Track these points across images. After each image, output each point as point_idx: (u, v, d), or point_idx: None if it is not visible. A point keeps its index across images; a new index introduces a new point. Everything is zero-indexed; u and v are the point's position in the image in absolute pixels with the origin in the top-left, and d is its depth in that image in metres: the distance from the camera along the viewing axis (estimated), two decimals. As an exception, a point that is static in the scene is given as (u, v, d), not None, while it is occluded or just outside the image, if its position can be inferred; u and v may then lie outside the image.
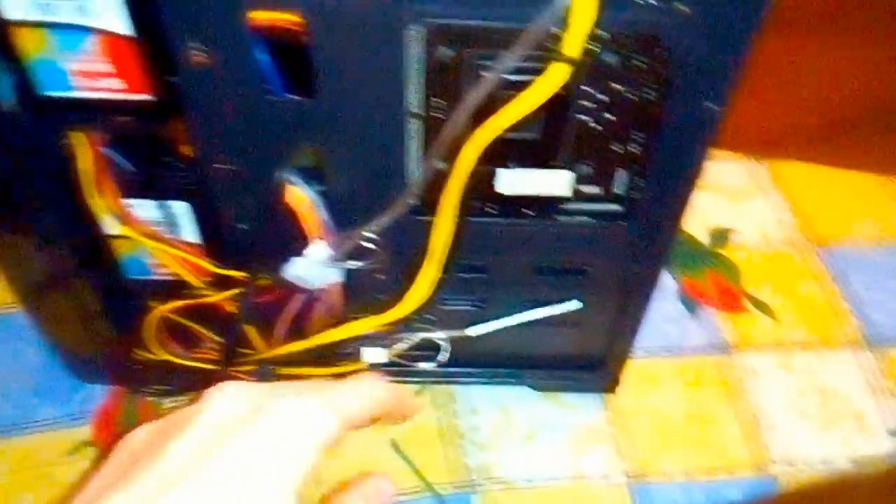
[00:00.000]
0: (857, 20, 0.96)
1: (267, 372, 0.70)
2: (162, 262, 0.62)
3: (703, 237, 0.98)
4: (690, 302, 0.92)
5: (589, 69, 0.50)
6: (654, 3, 0.46)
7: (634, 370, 0.80)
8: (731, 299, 0.92)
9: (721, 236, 0.98)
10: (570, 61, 0.46)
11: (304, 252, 0.59)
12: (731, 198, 1.02)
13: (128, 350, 0.72)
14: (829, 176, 1.06)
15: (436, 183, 0.55)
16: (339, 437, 0.43)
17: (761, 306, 0.92)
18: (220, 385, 0.43)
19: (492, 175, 0.57)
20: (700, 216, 1.00)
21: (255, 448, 0.39)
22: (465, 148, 0.51)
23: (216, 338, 0.69)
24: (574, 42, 0.46)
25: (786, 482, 0.78)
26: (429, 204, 0.58)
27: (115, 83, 0.49)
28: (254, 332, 0.67)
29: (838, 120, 1.07)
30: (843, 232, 1.00)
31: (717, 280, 0.94)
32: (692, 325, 0.90)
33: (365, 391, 0.47)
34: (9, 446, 0.77)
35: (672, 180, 0.57)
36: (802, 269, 0.96)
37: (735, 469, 0.78)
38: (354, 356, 0.69)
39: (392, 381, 0.51)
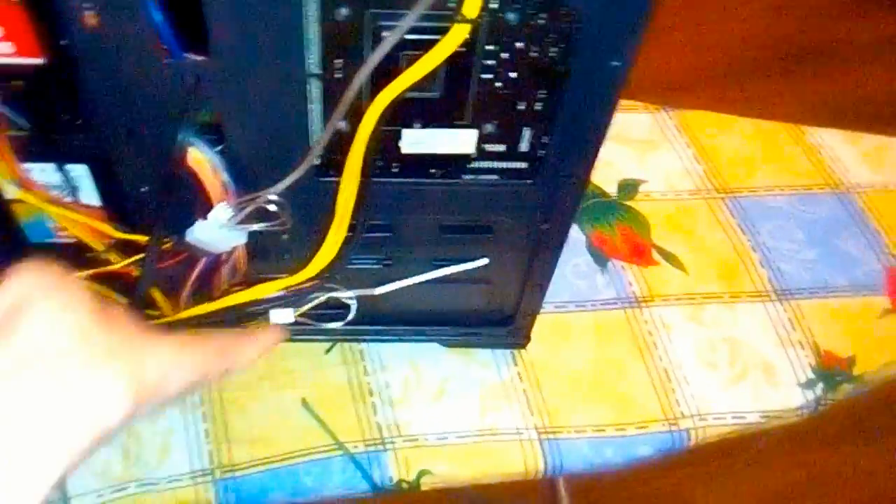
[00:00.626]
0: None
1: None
2: (63, 226, 0.61)
3: (612, 189, 0.99)
4: (600, 255, 0.92)
5: (490, 27, 0.49)
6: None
7: (545, 324, 0.81)
8: (640, 252, 0.93)
9: (629, 188, 0.99)
10: (470, 21, 0.46)
11: (207, 215, 0.58)
12: (639, 149, 1.03)
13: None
14: (737, 125, 1.07)
15: (339, 144, 0.55)
16: (129, 417, 0.41)
17: (670, 258, 0.93)
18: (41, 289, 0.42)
19: (396, 135, 0.56)
20: (608, 168, 1.01)
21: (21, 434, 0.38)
22: (368, 110, 0.50)
23: (121, 300, 0.68)
24: (473, 2, 0.45)
25: (697, 436, 0.79)
26: (332, 165, 0.57)
27: (5, 46, 0.48)
28: (159, 294, 0.66)
29: (740, 62, 1.08)
30: (750, 181, 1.01)
31: (626, 233, 0.95)
32: (602, 278, 0.91)
33: (181, 361, 0.46)
34: None
35: (578, 138, 0.57)
36: (711, 219, 0.97)
37: (646, 423, 0.80)
38: (262, 316, 0.68)
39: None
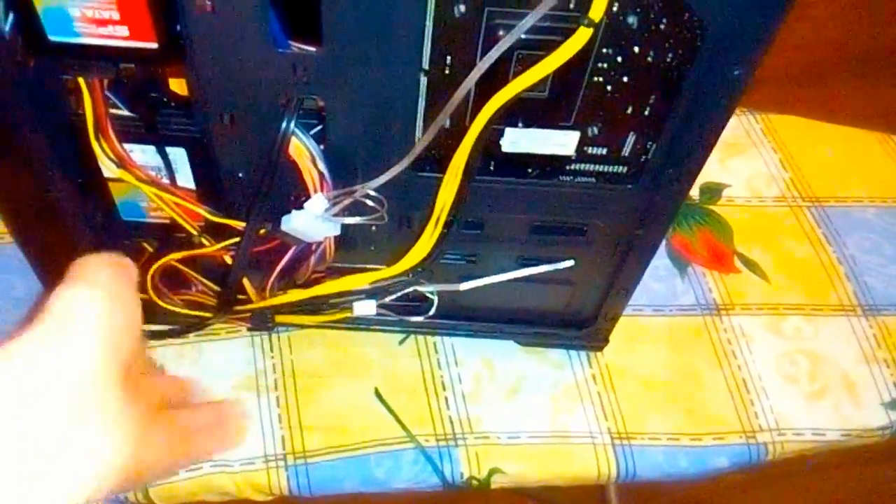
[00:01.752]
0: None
1: (263, 318, 0.69)
2: (158, 206, 0.61)
3: (694, 192, 0.97)
4: (680, 260, 0.91)
5: (609, 30, 0.48)
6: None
7: (620, 327, 0.80)
8: (721, 258, 0.92)
9: (713, 192, 0.98)
10: (595, 24, 0.45)
11: (304, 205, 0.57)
12: (723, 152, 1.01)
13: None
14: (825, 131, 1.05)
15: (441, 140, 0.54)
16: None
17: (752, 266, 0.91)
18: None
19: (499, 133, 0.56)
20: (692, 171, 0.98)
21: None
22: (483, 110, 0.50)
23: (210, 285, 0.68)
24: (600, 5, 0.44)
25: (775, 451, 0.77)
26: (430, 161, 0.57)
27: (121, 30, 0.48)
28: (247, 280, 0.66)
29: (814, 64, 1.06)
30: (838, 191, 0.99)
31: (708, 238, 0.93)
32: (681, 283, 0.89)
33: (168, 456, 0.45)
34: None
35: (686, 145, 0.56)
36: (796, 228, 0.95)
37: (722, 434, 0.78)
38: (344, 306, 0.68)
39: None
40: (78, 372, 0.38)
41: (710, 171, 0.99)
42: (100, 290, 0.42)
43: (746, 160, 1.01)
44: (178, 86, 0.56)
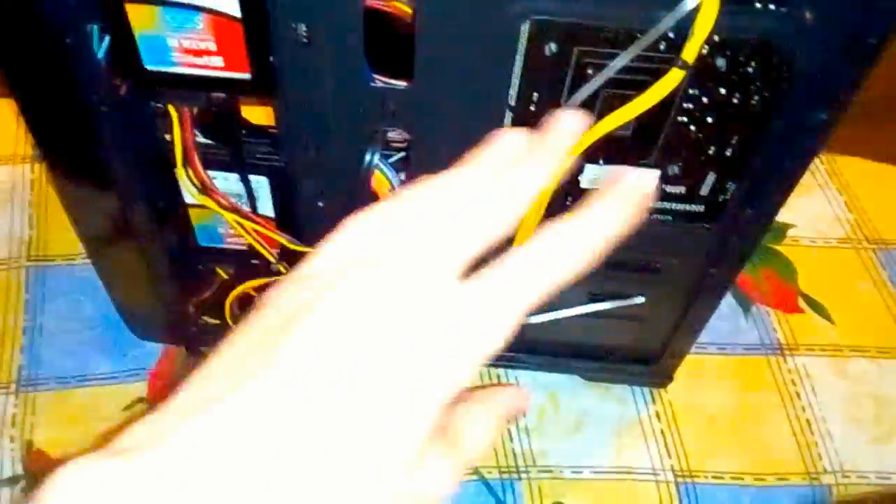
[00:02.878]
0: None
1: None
2: (237, 233, 0.62)
3: (760, 232, 0.97)
4: (744, 299, 0.91)
5: (697, 72, 0.49)
6: (774, 8, 0.45)
7: (684, 365, 0.80)
8: (786, 298, 0.91)
9: (777, 231, 0.97)
10: (688, 66, 0.45)
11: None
12: (788, 192, 1.01)
13: (188, 312, 0.72)
14: (890, 174, 1.05)
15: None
16: None
17: (817, 307, 0.91)
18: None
19: (579, 169, 0.56)
20: (757, 210, 0.98)
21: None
22: (573, 148, 0.50)
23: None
24: (694, 47, 0.45)
25: (838, 493, 0.77)
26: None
27: (216, 60, 0.49)
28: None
29: (876, 103, 1.05)
30: (904, 233, 0.98)
31: (773, 277, 0.93)
32: (745, 322, 0.89)
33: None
34: (65, 399, 0.77)
35: (766, 187, 0.56)
36: (860, 269, 0.94)
37: (786, 475, 0.78)
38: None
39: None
40: None
41: (775, 211, 0.98)
42: None
43: (811, 200, 1.01)
44: (252, 114, 0.57)
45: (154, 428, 0.33)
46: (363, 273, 0.36)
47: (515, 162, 0.41)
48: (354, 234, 0.39)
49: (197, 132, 0.57)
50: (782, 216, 0.96)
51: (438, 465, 0.36)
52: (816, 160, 1.04)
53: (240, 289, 0.66)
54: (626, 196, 0.41)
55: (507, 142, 0.42)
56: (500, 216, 0.39)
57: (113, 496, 0.30)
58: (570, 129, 0.43)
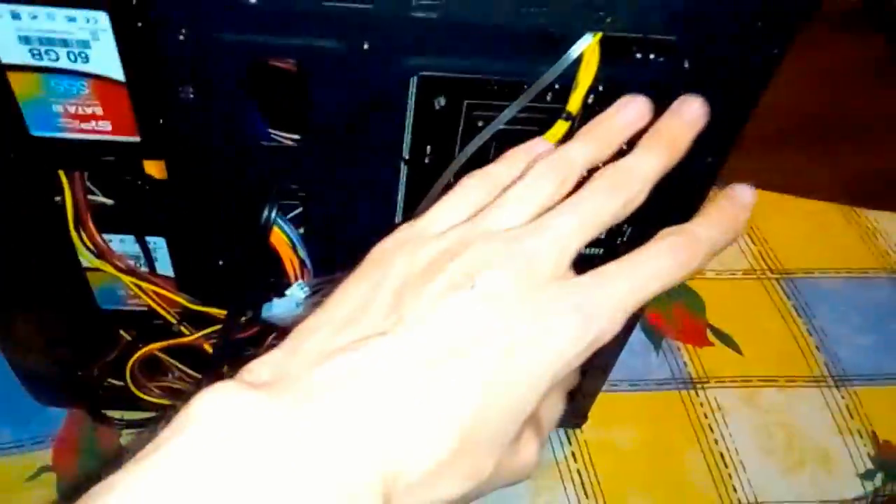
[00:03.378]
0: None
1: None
2: (136, 294, 0.61)
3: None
4: (654, 334, 0.92)
5: (585, 121, 0.49)
6: (654, 58, 0.46)
7: (597, 404, 0.80)
8: (695, 332, 0.92)
9: (684, 266, 0.98)
10: (572, 117, 0.46)
11: (285, 292, 0.58)
12: (692, 226, 1.02)
13: (91, 375, 0.70)
14: (788, 204, 1.07)
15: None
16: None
17: (726, 339, 0.92)
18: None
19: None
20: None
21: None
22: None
23: (190, 373, 0.68)
24: (578, 99, 0.45)
25: (754, 526, 0.78)
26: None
27: (103, 125, 0.48)
28: (226, 367, 0.66)
29: (771, 133, 1.07)
30: (805, 263, 1.00)
31: (682, 312, 0.94)
32: (655, 358, 0.90)
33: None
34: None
35: (660, 229, 0.57)
36: (766, 300, 0.96)
37: (703, 511, 0.78)
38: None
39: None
40: None
41: (681, 245, 0.99)
42: None
43: (715, 233, 1.02)
44: (155, 169, 0.56)
45: (290, 366, 0.36)
46: (478, 247, 0.38)
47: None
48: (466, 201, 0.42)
49: (97, 191, 0.56)
50: (689, 250, 0.98)
51: (530, 444, 0.39)
52: (716, 191, 1.06)
53: (141, 351, 0.65)
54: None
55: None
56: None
57: (263, 426, 0.32)
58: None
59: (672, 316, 0.93)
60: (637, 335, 0.91)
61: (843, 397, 0.88)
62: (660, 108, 0.46)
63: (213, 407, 0.32)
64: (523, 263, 0.37)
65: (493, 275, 0.36)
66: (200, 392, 0.33)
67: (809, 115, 1.20)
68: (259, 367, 0.36)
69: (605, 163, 0.42)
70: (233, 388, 0.33)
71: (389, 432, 0.33)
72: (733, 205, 0.43)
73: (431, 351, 0.35)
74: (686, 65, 0.46)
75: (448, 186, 0.50)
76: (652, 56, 0.46)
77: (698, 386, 0.87)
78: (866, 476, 0.82)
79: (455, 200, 0.42)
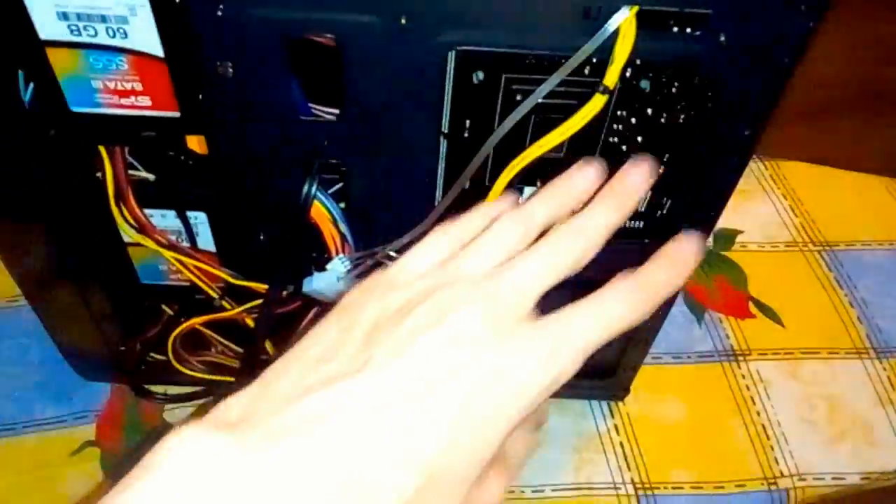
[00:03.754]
0: None
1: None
2: (178, 270, 0.61)
3: (708, 239, 0.97)
4: (696, 307, 0.91)
5: (623, 94, 0.49)
6: (690, 31, 0.46)
7: (640, 376, 0.80)
8: (737, 304, 0.92)
9: (726, 238, 0.98)
10: (609, 91, 0.46)
11: (326, 266, 0.58)
12: (735, 198, 1.00)
13: (133, 350, 0.71)
14: (834, 176, 1.06)
15: (462, 201, 0.54)
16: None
17: (768, 311, 0.91)
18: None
19: (517, 192, 0.56)
20: (705, 218, 0.99)
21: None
22: (503, 174, 0.51)
23: (233, 347, 0.69)
24: (615, 73, 0.45)
25: (796, 497, 0.77)
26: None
27: (142, 100, 0.49)
28: (269, 342, 0.66)
29: (819, 103, 1.06)
30: (848, 235, 0.99)
31: (724, 284, 0.94)
32: (698, 330, 0.90)
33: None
34: (10, 445, 0.76)
35: (699, 201, 0.57)
36: (808, 272, 0.95)
37: (745, 482, 0.78)
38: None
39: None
40: None
41: (724, 218, 0.98)
42: None
43: (757, 206, 1.01)
44: (197, 144, 0.56)
45: (258, 405, 0.36)
46: (445, 291, 0.40)
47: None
48: (434, 250, 0.44)
49: (139, 166, 0.57)
50: (731, 222, 0.98)
51: (495, 482, 0.40)
52: (761, 166, 1.05)
53: (183, 326, 0.66)
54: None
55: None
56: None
57: (225, 469, 0.33)
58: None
59: (714, 288, 0.93)
60: (679, 308, 0.91)
61: (884, 369, 0.87)
62: (693, 86, 0.46)
63: (179, 450, 0.33)
64: (488, 306, 0.39)
65: (458, 317, 0.38)
66: (170, 433, 0.34)
67: (856, 86, 1.19)
68: (231, 405, 0.37)
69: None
70: (200, 430, 0.34)
71: (354, 474, 0.34)
72: (682, 252, 0.45)
73: (398, 391, 0.36)
74: (722, 38, 0.46)
75: (487, 159, 0.51)
76: (688, 29, 0.45)
77: (740, 358, 0.87)
78: (908, 448, 0.81)
79: (424, 250, 0.44)
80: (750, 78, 0.48)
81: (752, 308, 0.92)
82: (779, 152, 1.06)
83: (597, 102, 0.46)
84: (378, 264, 0.58)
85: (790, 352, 0.88)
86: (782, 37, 0.46)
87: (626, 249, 0.60)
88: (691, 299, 0.92)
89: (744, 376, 0.86)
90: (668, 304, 0.67)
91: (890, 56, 1.22)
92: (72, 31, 0.45)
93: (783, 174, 1.05)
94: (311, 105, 0.52)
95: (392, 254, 0.57)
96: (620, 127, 0.52)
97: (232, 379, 0.70)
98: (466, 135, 0.52)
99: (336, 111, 0.52)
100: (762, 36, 0.46)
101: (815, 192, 1.03)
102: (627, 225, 0.59)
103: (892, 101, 1.20)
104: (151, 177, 0.57)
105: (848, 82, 1.16)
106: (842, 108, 1.16)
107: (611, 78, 0.45)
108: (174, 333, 0.66)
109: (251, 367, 0.67)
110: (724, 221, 0.95)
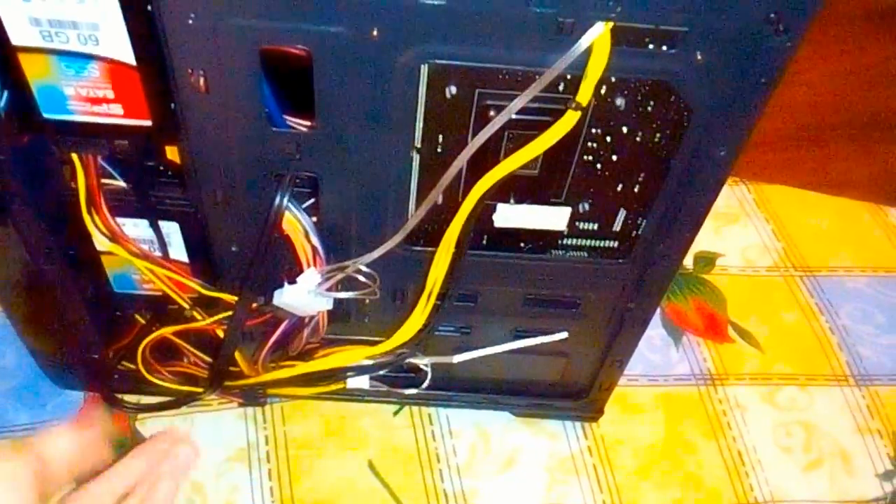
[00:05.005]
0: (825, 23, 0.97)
1: (253, 394, 0.69)
2: (149, 279, 0.61)
3: (688, 262, 0.97)
4: (674, 329, 0.91)
5: (598, 112, 0.49)
6: (666, 49, 0.46)
7: (615, 397, 0.80)
8: (715, 328, 0.92)
9: (706, 261, 0.98)
10: (582, 108, 0.46)
11: (297, 279, 0.58)
12: (717, 221, 1.02)
13: (106, 359, 0.71)
14: (817, 202, 1.06)
15: (434, 216, 0.54)
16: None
17: (746, 336, 0.91)
18: None
19: (491, 209, 0.56)
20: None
21: None
22: (474, 188, 0.50)
23: (202, 356, 0.68)
24: (588, 89, 0.45)
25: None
26: (423, 235, 0.57)
27: (115, 108, 0.48)
28: (239, 353, 0.66)
29: (806, 129, 1.06)
30: (830, 261, 0.99)
31: (702, 307, 0.93)
32: (676, 353, 0.89)
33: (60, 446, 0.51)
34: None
35: (675, 221, 0.56)
36: (788, 297, 0.95)
37: (718, 508, 0.78)
38: (338, 378, 0.68)
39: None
40: None
41: (704, 241, 0.99)
42: None
43: (740, 230, 1.01)
44: (174, 153, 0.56)
45: None
46: None
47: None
48: None
49: (115, 174, 0.56)
50: (712, 245, 0.98)
51: None
52: (744, 188, 1.05)
53: (153, 335, 0.65)
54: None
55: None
56: None
57: None
58: None
59: (693, 312, 0.93)
60: (657, 330, 0.90)
61: (863, 397, 0.87)
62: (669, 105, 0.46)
63: None
64: None
65: None
66: None
67: (841, 112, 1.19)
68: None
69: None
70: None
71: None
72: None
73: None
74: (698, 56, 0.46)
75: (460, 173, 0.50)
76: (664, 47, 0.45)
77: (717, 382, 0.87)
78: (885, 477, 0.81)
79: None
80: (726, 99, 0.48)
81: (731, 332, 0.91)
82: (763, 176, 1.06)
83: (569, 119, 0.46)
84: (349, 277, 0.58)
85: (768, 377, 0.88)
86: (760, 56, 0.45)
87: (604, 269, 0.61)
88: (669, 322, 0.91)
89: (720, 400, 0.85)
90: (642, 326, 0.67)
91: (875, 82, 1.22)
92: (44, 37, 0.45)
93: (767, 197, 1.04)
94: (286, 117, 0.52)
95: (363, 268, 0.57)
96: (595, 145, 0.51)
97: (201, 391, 0.69)
98: (439, 149, 0.51)
99: (305, 127, 0.51)
100: (739, 55, 0.46)
101: (799, 216, 1.03)
102: (603, 244, 0.59)
103: (877, 128, 1.20)
104: (125, 185, 0.57)
105: (833, 108, 1.16)
106: (827, 133, 1.16)
107: (584, 94, 0.45)
108: (144, 342, 0.65)
109: (219, 378, 0.67)
110: (705, 244, 0.96)
